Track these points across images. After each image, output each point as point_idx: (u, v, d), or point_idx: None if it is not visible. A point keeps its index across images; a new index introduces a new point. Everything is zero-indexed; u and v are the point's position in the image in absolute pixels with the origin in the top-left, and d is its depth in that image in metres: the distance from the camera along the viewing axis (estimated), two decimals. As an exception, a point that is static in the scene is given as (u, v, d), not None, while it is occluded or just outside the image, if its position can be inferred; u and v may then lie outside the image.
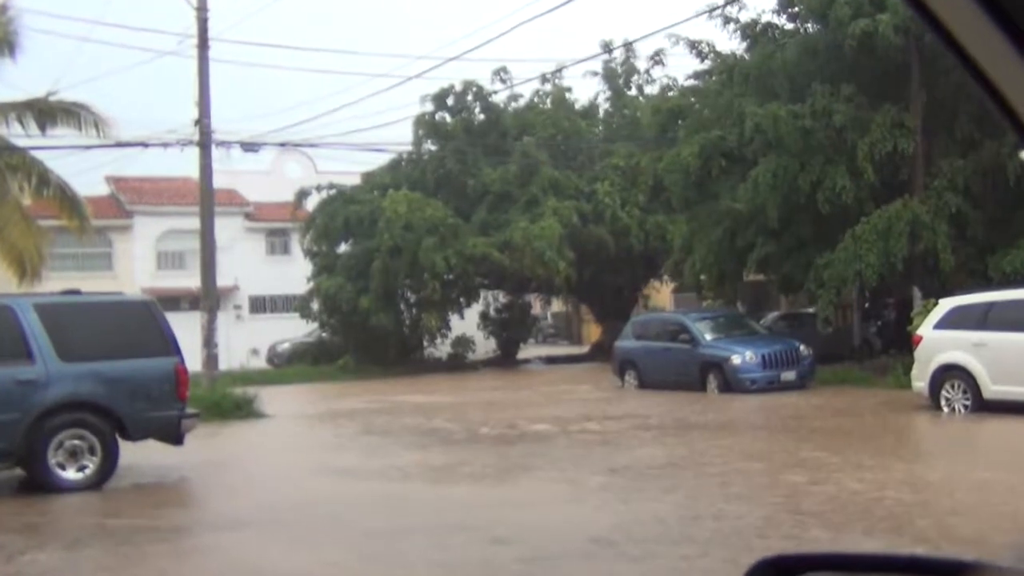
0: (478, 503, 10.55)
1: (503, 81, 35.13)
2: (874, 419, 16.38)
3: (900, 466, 11.45)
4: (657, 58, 36.26)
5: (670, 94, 33.59)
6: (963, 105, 21.03)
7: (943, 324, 16.65)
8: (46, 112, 23.09)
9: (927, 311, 18.29)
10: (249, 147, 25.67)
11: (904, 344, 20.80)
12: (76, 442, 11.88)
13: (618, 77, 37.28)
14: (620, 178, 33.79)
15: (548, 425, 17.38)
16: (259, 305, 43.07)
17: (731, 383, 21.47)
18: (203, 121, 23.10)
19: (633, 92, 37.57)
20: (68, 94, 24.14)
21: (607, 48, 35.36)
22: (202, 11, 23.07)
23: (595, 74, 37.12)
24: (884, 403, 18.20)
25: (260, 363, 38.61)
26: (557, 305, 52.12)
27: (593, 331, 44.57)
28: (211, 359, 22.65)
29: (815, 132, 21.78)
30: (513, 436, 16.07)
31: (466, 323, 35.95)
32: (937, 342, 16.56)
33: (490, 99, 36.11)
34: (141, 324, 12.45)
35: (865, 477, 10.58)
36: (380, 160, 36.82)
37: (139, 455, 13.15)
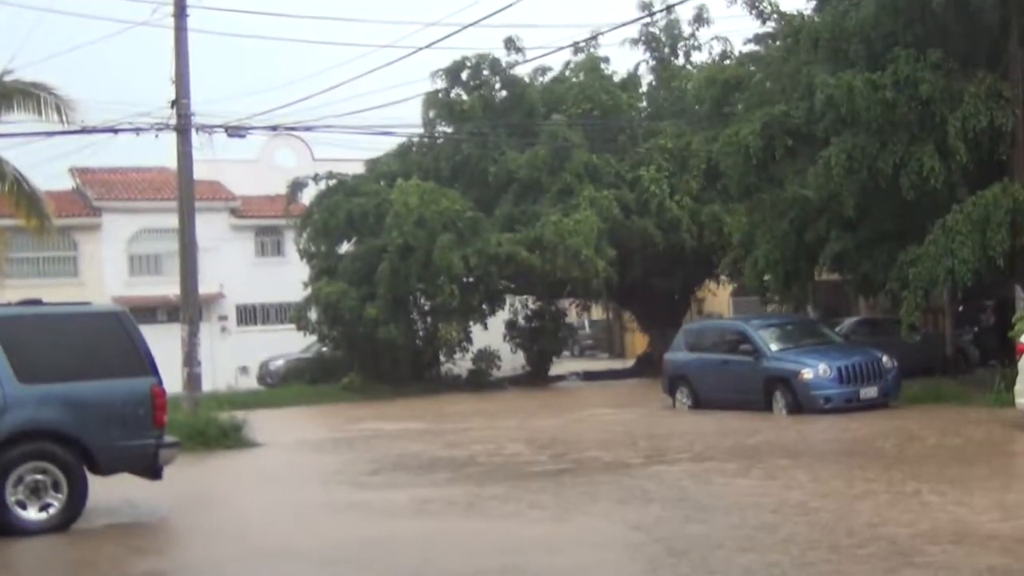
0: (507, 545, 10.53)
1: (518, 50, 35.25)
2: (977, 445, 16.22)
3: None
4: (701, 16, 36.23)
5: (726, 62, 33.53)
6: (1073, 71, 20.88)
7: (1052, 329, 16.52)
8: (0, 94, 23.29)
9: (1033, 314, 18.14)
10: (235, 132, 25.78)
11: (1006, 354, 20.63)
12: (38, 477, 11.93)
13: (663, 44, 37.17)
14: (668, 162, 33.72)
15: (585, 453, 17.36)
16: (248, 315, 43.27)
17: (801, 402, 21.38)
18: (181, 102, 23.22)
19: (680, 61, 37.50)
20: (26, 73, 24.37)
21: (648, 9, 35.33)
22: (179, -26, 23.20)
23: (635, 41, 37.08)
24: (984, 424, 18.04)
25: (250, 383, 38.77)
26: (596, 312, 52.05)
27: (638, 342, 44.53)
28: (193, 379, 22.75)
29: (897, 105, 21.65)
30: (545, 468, 16.05)
31: (490, 334, 35.94)
32: (1045, 351, 16.42)
33: (512, 72, 36.18)
34: (112, 339, 12.51)
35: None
36: (387, 145, 36.95)
37: (111, 491, 13.21)
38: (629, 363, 41.08)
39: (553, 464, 16.27)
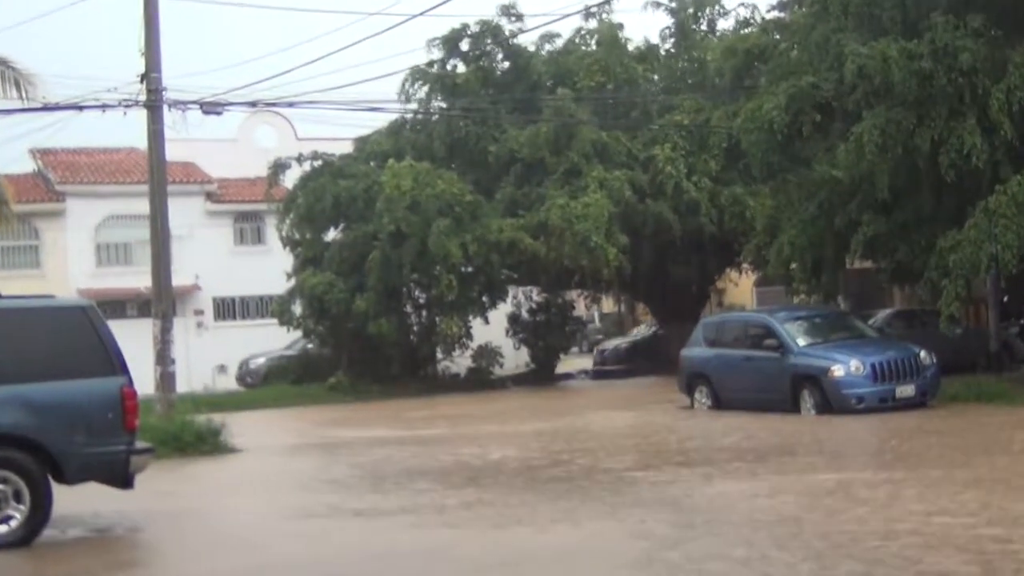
0: (512, 558, 10.59)
1: (517, 18, 35.23)
2: None
3: None
4: None
5: (748, 31, 33.50)
6: None
7: (1105, 321, 16.54)
8: (-47, 69, 23.32)
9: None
10: (211, 108, 25.78)
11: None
12: (-2, 486, 11.98)
13: (686, 7, 37.02)
14: (685, 139, 33.74)
15: (592, 460, 17.39)
16: (226, 309, 43.32)
17: (832, 401, 21.40)
18: (152, 76, 23.21)
19: (704, 27, 37.40)
20: (-19, 45, 24.40)
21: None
22: (148, -65, 23.18)
23: (658, 5, 36.85)
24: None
25: (229, 383, 38.85)
26: (607, 304, 52.12)
27: (653, 336, 44.52)
28: (166, 379, 22.78)
29: (935, 76, 21.65)
30: (549, 474, 16.09)
31: (491, 329, 36.01)
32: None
33: (515, 41, 36.15)
34: (78, 335, 12.51)
35: None
36: (377, 122, 36.96)
37: (77, 502, 13.24)
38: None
39: (557, 470, 16.30)
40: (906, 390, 21.51)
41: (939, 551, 9.63)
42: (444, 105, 36.55)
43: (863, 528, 10.72)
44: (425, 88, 35.81)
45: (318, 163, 36.30)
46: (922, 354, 22.01)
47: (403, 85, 35.23)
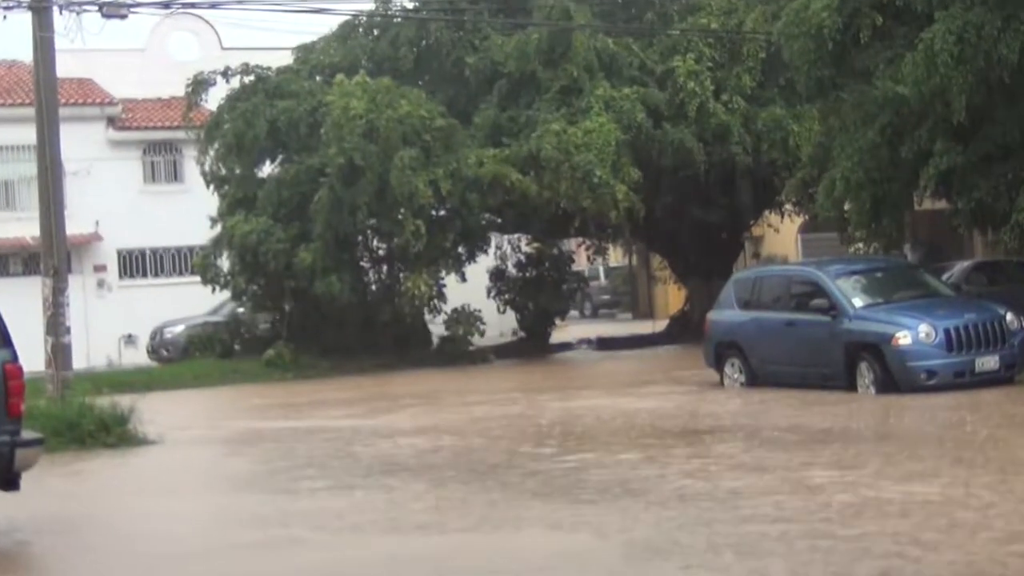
0: (515, 566, 10.71)
1: None
2: None
3: None
4: None
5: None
6: None
7: None
8: None
9: None
10: (113, 11, 25.70)
11: None
12: None
13: None
14: (712, 48, 33.67)
15: (585, 454, 17.46)
16: (135, 265, 43.26)
17: (896, 376, 21.39)
18: (38, -30, 23.14)
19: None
20: None
21: None
22: None
23: None
24: None
25: (139, 356, 38.89)
26: (615, 256, 52.16)
27: (673, 296, 44.66)
28: (60, 352, 22.79)
29: (1027, -33, 21.67)
30: (535, 470, 16.17)
31: (469, 288, 36.02)
32: None
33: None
34: (-53, 298, 12.57)
35: None
36: (323, 28, 36.82)
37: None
38: (660, 325, 41.18)
39: (539, 464, 16.39)
40: (988, 362, 21.52)
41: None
42: (410, 4, 36.42)
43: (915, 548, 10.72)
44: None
45: (249, 79, 36.13)
46: (1008, 317, 22.04)
47: None
